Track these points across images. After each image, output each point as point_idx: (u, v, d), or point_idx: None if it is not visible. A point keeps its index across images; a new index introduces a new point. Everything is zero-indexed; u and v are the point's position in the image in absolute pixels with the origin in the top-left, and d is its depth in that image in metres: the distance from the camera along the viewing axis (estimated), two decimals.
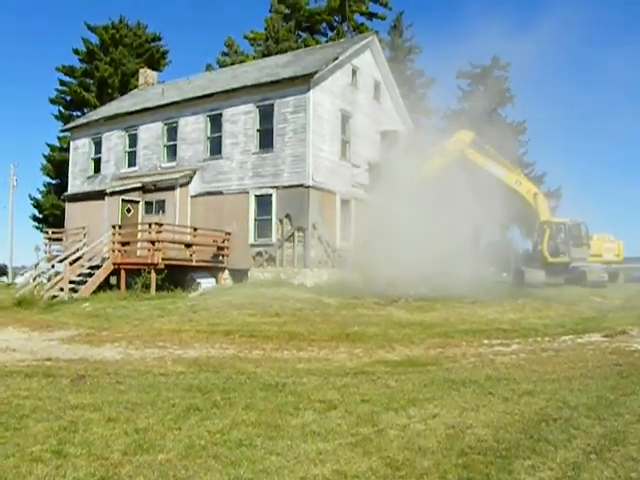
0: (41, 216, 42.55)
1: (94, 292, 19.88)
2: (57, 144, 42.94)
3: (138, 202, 24.86)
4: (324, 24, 47.65)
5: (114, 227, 21.66)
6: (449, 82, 48.27)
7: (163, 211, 24.28)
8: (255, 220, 22.78)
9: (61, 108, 44.27)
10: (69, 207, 27.68)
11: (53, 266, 22.83)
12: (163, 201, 24.44)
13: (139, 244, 21.91)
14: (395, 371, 8.67)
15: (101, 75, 42.46)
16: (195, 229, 22.47)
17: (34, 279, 22.74)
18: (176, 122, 25.54)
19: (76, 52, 44.62)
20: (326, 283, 20.50)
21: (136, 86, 36.88)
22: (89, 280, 20.31)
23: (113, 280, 22.16)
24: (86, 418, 6.05)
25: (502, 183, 24.85)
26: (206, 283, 21.41)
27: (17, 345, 11.55)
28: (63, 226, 27.81)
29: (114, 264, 20.76)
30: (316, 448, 5.16)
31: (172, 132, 25.83)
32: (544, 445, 5.23)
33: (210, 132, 24.58)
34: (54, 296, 19.53)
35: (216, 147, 24.25)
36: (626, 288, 25.29)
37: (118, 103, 32.73)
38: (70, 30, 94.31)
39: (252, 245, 22.60)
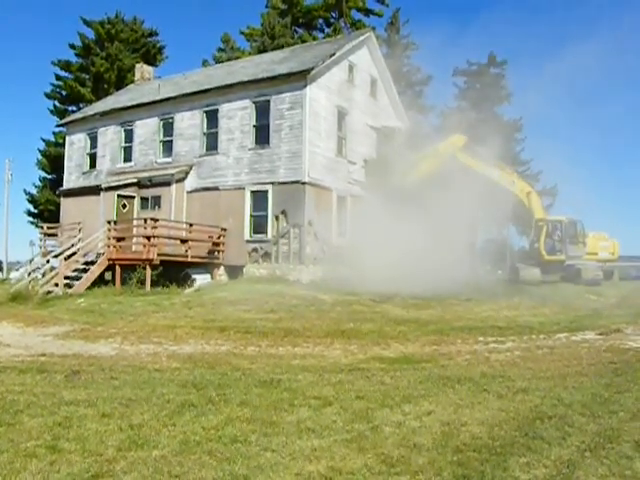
0: (36, 211, 42.34)
1: (89, 288, 19.81)
2: (52, 139, 42.73)
3: (134, 197, 24.79)
4: (321, 20, 47.51)
5: (109, 222, 21.58)
6: (446, 79, 48.30)
7: (159, 207, 24.21)
8: (251, 216, 22.74)
9: (56, 103, 44.01)
10: (64, 202, 27.58)
11: (48, 261, 22.73)
12: (159, 197, 24.37)
13: (134, 240, 21.85)
14: (390, 368, 8.68)
15: (97, 70, 42.23)
16: (191, 225, 22.43)
17: (29, 274, 22.66)
18: (172, 117, 25.46)
19: (72, 47, 44.38)
20: (322, 280, 20.48)
21: (132, 81, 36.73)
22: (84, 276, 20.24)
23: (108, 276, 22.07)
24: (80, 414, 6.03)
25: (496, 183, 24.89)
26: (201, 279, 21.38)
27: (11, 340, 11.52)
28: (58, 221, 27.71)
29: (109, 260, 20.69)
30: (311, 444, 5.16)
31: (168, 127, 25.75)
32: (539, 442, 5.25)
33: (206, 128, 24.51)
34: (49, 291, 19.46)
35: (212, 143, 24.19)
36: (621, 286, 25.43)
37: (114, 98, 32.61)
38: (66, 25, 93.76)
39: (248, 241, 22.57)
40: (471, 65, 45.09)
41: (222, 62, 40.67)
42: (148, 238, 20.17)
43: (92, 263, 20.83)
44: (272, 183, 22.15)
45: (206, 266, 22.41)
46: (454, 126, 26.70)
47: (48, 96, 44.11)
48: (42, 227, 28.18)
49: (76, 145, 29.44)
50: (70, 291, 19.31)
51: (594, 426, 5.72)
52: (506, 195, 25.08)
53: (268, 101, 22.60)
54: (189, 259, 21.46)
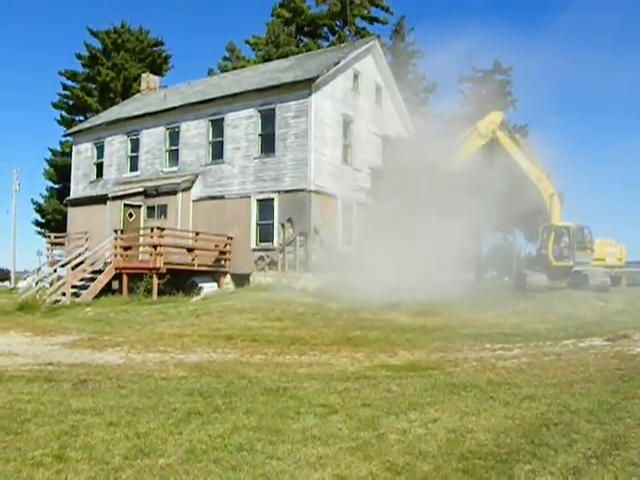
0: (43, 221, 42.62)
1: (96, 297, 19.90)
2: (59, 149, 43.10)
3: (140, 207, 24.90)
4: (325, 28, 47.73)
5: (116, 232, 21.69)
6: (451, 86, 48.29)
7: (165, 216, 24.31)
8: (257, 224, 22.81)
9: (64, 112, 44.42)
10: (71, 212, 27.73)
11: (55, 270, 22.85)
12: (165, 206, 24.48)
13: (141, 249, 21.94)
14: (396, 375, 8.66)
15: (103, 80, 42.57)
16: (197, 233, 22.49)
17: (36, 284, 22.76)
18: (178, 127, 25.59)
19: (79, 57, 44.82)
20: (328, 287, 20.45)
21: (138, 91, 36.99)
22: (91, 285, 20.33)
23: (115, 285, 22.16)
24: (87, 422, 6.05)
25: (524, 175, 24.83)
26: (208, 287, 21.42)
27: (19, 349, 11.57)
28: (65, 231, 27.85)
29: (116, 269, 20.79)
30: (317, 452, 5.16)
31: (174, 137, 25.89)
32: (545, 449, 5.23)
33: (212, 137, 24.63)
34: (56, 301, 19.56)
35: (218, 152, 24.30)
36: (628, 292, 25.28)
37: (120, 108, 32.83)
38: (73, 35, 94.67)
39: (254, 249, 22.62)
40: (476, 72, 45.18)
41: (227, 71, 40.88)
42: (155, 247, 20.25)
43: (99, 272, 20.94)
44: (278, 191, 22.22)
45: (213, 274, 22.46)
46: (462, 126, 26.52)
47: (55, 106, 44.52)
48: (49, 236, 28.34)
49: (83, 155, 29.62)
50: (77, 300, 19.40)
51: (600, 433, 5.69)
52: (515, 199, 24.92)
53: (273, 109, 22.69)
54: (196, 268, 21.52)
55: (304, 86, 21.89)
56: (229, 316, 15.48)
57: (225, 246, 22.78)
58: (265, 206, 22.62)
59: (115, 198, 24.88)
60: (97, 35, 44.71)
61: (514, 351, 11.10)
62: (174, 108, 25.74)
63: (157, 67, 45.61)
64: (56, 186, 42.71)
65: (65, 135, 35.64)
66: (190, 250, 21.80)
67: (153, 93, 33.34)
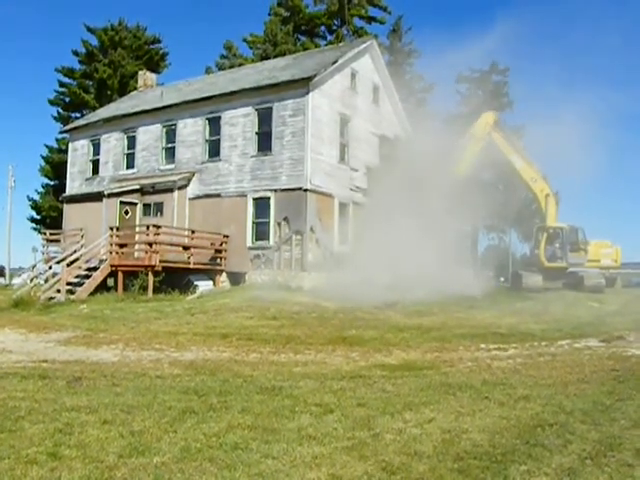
0: (39, 217, 42.48)
1: (91, 294, 19.85)
2: (56, 145, 42.91)
3: (136, 204, 24.83)
4: (323, 27, 47.60)
5: (112, 229, 21.63)
6: (448, 86, 48.19)
7: (161, 213, 24.26)
8: (253, 223, 22.77)
9: (60, 109, 44.26)
10: (67, 209, 27.63)
11: (50, 267, 22.77)
12: (161, 203, 24.42)
13: (137, 246, 21.89)
14: (392, 375, 8.67)
15: (100, 77, 42.43)
16: (193, 231, 22.46)
17: (31, 280, 22.71)
18: (175, 124, 25.53)
19: (75, 53, 44.66)
20: (324, 286, 20.44)
21: (135, 88, 36.87)
22: (86, 282, 20.27)
23: (110, 282, 22.11)
24: (82, 420, 6.03)
25: (518, 175, 24.89)
26: (203, 286, 21.39)
27: (13, 346, 11.53)
28: (61, 227, 27.74)
29: (112, 266, 20.73)
30: (312, 452, 5.15)
31: (171, 134, 25.82)
32: (540, 450, 5.24)
33: (209, 135, 24.58)
34: (51, 297, 19.51)
35: (215, 150, 24.25)
36: (623, 293, 25.38)
37: (117, 105, 32.73)
38: (70, 31, 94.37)
39: (250, 248, 22.58)
40: (473, 72, 45.13)
41: (225, 69, 40.82)
42: (150, 244, 20.22)
43: (95, 269, 20.88)
44: (274, 190, 22.19)
45: (208, 273, 22.43)
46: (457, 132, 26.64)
47: (52, 102, 44.39)
48: (45, 233, 28.20)
49: (79, 151, 29.52)
50: (72, 297, 19.35)
51: (595, 434, 5.71)
52: (515, 197, 24.98)
53: (270, 108, 22.66)
54: (191, 266, 21.48)
55: (301, 85, 21.87)
56: (224, 314, 15.46)
57: (221, 244, 22.75)
58: (261, 204, 22.59)
59: (111, 195, 24.81)
60: (94, 32, 44.54)
61: (509, 351, 11.13)
62: (171, 106, 25.69)
63: (154, 64, 45.42)
64: (52, 183, 42.55)
65: (61, 132, 35.54)
66: (186, 248, 21.77)
67: (150, 90, 33.24)
